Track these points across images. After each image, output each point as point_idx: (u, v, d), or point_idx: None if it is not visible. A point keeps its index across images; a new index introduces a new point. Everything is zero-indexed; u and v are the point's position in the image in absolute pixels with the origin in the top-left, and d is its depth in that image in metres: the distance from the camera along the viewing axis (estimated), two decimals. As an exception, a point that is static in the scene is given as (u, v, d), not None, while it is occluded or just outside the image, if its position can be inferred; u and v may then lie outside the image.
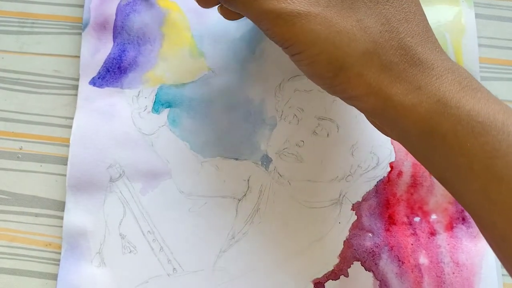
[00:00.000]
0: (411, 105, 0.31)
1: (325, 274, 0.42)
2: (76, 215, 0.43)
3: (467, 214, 0.43)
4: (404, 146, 0.34)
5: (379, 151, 0.44)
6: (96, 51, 0.46)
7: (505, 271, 0.42)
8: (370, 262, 0.42)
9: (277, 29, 0.32)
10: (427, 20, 0.33)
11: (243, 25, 0.46)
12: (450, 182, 0.32)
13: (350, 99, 0.34)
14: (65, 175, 0.44)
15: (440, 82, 0.31)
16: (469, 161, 0.30)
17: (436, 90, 0.30)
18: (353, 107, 0.44)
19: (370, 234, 0.43)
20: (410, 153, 0.34)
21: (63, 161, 0.45)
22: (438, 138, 0.30)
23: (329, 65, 0.32)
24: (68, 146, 0.44)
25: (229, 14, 0.40)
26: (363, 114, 0.44)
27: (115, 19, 0.46)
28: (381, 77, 0.31)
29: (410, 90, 0.31)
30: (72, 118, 0.45)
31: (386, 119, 0.32)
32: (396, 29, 0.32)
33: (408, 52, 0.31)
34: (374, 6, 0.32)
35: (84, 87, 0.45)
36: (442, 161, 0.31)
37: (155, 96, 0.45)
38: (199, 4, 0.38)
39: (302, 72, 0.35)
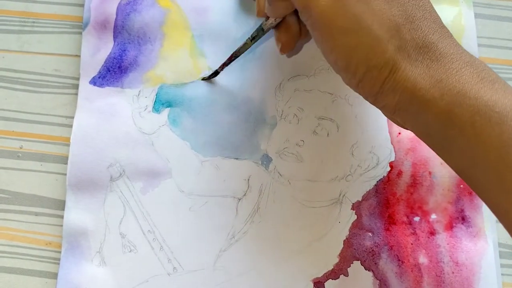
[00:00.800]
0: (433, 98, 0.31)
1: (325, 273, 0.42)
2: (77, 214, 0.43)
3: (466, 214, 0.43)
4: (423, 140, 0.34)
5: (379, 151, 0.44)
6: (97, 50, 0.46)
7: (504, 271, 0.42)
8: (370, 262, 0.42)
9: (316, 3, 0.32)
10: (439, 17, 0.34)
11: (243, 24, 0.46)
12: (467, 173, 0.33)
13: (374, 96, 0.34)
14: (65, 174, 0.44)
15: (460, 75, 0.31)
16: (485, 151, 0.30)
17: (456, 82, 0.31)
18: (352, 107, 0.44)
19: (370, 234, 0.43)
20: (429, 146, 0.34)
21: (63, 160, 0.45)
22: (457, 129, 0.31)
23: (364, 60, 0.32)
24: (68, 145, 0.44)
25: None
26: (363, 114, 0.44)
27: (115, 19, 0.47)
28: (408, 74, 0.32)
29: (432, 84, 0.31)
30: (73, 117, 0.45)
31: (408, 114, 0.33)
32: (420, 27, 0.32)
33: (431, 49, 0.32)
34: (400, 2, 0.32)
35: (85, 86, 0.45)
36: (460, 152, 0.32)
37: (155, 96, 0.45)
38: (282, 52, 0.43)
39: (328, 62, 0.35)
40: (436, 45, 0.32)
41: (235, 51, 0.44)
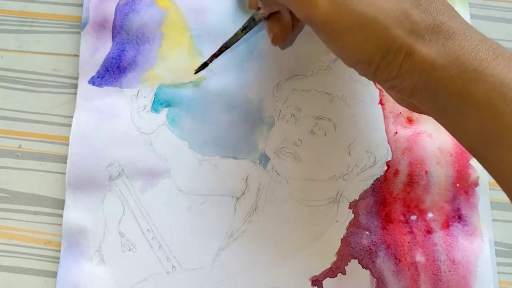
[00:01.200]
0: (450, 77, 0.31)
1: (323, 271, 0.43)
2: (76, 213, 0.43)
3: (463, 212, 0.43)
4: (438, 121, 0.34)
5: (376, 150, 0.44)
6: (95, 50, 0.46)
7: (500, 269, 0.43)
8: (367, 260, 0.43)
9: (317, 12, 0.32)
10: None
11: (241, 25, 0.46)
12: (482, 152, 0.33)
13: (392, 81, 0.34)
14: (64, 173, 0.44)
15: (476, 52, 0.31)
16: (500, 128, 0.30)
17: (473, 59, 0.31)
18: (350, 107, 0.45)
19: (367, 232, 0.43)
20: (444, 126, 0.34)
21: (62, 159, 0.45)
22: (472, 107, 0.31)
23: (377, 49, 0.32)
24: (67, 144, 0.44)
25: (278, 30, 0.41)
26: (360, 114, 0.44)
27: (114, 19, 0.47)
28: (424, 54, 0.32)
29: (449, 62, 0.31)
30: (71, 117, 0.45)
31: (425, 95, 0.33)
32: (427, 9, 0.33)
33: (443, 29, 0.32)
34: None
35: (84, 86, 0.46)
36: (475, 130, 0.32)
37: (154, 96, 0.45)
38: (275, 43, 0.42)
39: (341, 59, 0.35)
40: (448, 24, 0.32)
41: (226, 42, 0.43)
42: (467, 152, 0.43)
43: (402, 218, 0.43)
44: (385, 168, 0.44)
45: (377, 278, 0.42)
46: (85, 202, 0.43)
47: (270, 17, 0.41)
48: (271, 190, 0.44)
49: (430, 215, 0.43)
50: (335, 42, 0.33)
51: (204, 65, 0.45)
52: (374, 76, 0.34)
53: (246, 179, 0.44)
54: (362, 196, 0.44)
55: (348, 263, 0.43)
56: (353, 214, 0.43)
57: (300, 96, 0.46)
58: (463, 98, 0.31)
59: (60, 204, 0.44)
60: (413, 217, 0.43)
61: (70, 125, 0.45)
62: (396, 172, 0.44)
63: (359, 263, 0.43)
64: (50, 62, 0.47)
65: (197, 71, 0.45)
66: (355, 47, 0.33)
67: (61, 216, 0.43)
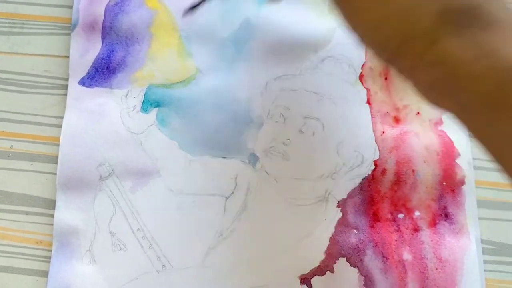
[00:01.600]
0: (481, 74, 0.26)
1: (312, 270, 0.43)
2: (67, 213, 0.43)
3: (449, 211, 0.43)
4: (460, 119, 0.29)
5: (363, 150, 0.45)
6: (85, 51, 0.46)
7: (487, 267, 0.43)
8: (355, 258, 0.43)
9: None
10: None
11: (230, 25, 0.47)
12: (508, 159, 0.28)
13: (410, 70, 0.29)
14: (55, 174, 0.44)
15: None
16: None
17: (508, 55, 0.26)
18: (337, 106, 0.45)
19: (355, 231, 0.43)
20: (466, 126, 0.29)
21: (53, 159, 0.45)
22: (506, 110, 0.26)
23: (397, 32, 0.28)
24: (58, 145, 0.45)
25: None
26: (348, 113, 0.44)
27: (103, 20, 0.47)
28: (451, 43, 0.27)
29: (481, 56, 0.26)
30: (62, 118, 0.45)
31: (447, 91, 0.28)
32: None
33: (478, 13, 0.27)
34: None
35: (74, 87, 0.46)
36: (504, 136, 0.27)
37: (143, 96, 0.46)
38: None
39: (355, 37, 0.30)
40: (485, 8, 0.27)
41: None
42: (453, 151, 0.44)
43: (389, 216, 0.44)
44: (373, 167, 0.45)
45: (365, 276, 0.43)
46: (76, 202, 0.44)
47: None
48: (260, 189, 0.44)
49: (417, 213, 0.44)
50: (352, 16, 0.29)
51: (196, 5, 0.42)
52: (388, 61, 0.30)
53: (236, 178, 0.45)
54: (350, 195, 0.44)
55: (337, 261, 0.43)
56: (341, 213, 0.44)
57: (288, 95, 0.46)
58: (494, 99, 0.26)
59: (51, 204, 0.44)
60: (401, 216, 0.44)
61: (61, 126, 0.45)
62: (384, 171, 0.44)
63: (347, 261, 0.43)
64: (40, 64, 0.47)
65: (184, 14, 0.44)
66: (372, 25, 0.28)
67: (52, 216, 0.44)
